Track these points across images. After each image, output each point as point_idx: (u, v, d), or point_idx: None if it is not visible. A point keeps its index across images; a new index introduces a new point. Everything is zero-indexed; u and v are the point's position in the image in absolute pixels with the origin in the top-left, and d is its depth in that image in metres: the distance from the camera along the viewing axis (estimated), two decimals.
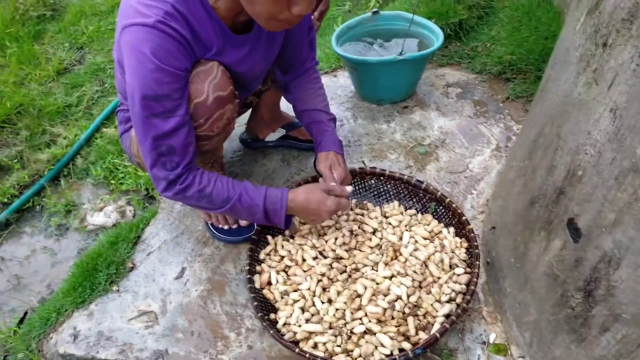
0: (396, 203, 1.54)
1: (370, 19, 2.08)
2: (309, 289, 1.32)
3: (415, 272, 1.31)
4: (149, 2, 1.05)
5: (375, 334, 1.21)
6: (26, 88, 2.39)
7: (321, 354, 1.19)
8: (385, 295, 1.27)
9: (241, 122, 1.94)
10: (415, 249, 1.37)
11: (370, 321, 1.23)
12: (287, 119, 1.86)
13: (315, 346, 1.22)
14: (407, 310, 1.24)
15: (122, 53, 1.09)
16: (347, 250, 1.39)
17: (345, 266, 1.36)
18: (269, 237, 1.47)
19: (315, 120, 1.52)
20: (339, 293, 1.29)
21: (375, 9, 2.06)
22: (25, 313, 1.60)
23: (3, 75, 2.44)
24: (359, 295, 1.28)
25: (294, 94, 1.56)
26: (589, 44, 0.95)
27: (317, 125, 1.51)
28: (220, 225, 1.56)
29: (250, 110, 1.79)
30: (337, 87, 2.21)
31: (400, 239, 1.41)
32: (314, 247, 1.40)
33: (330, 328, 1.24)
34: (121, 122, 1.45)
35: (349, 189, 1.37)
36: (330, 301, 1.29)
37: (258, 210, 1.27)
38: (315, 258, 1.38)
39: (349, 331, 1.23)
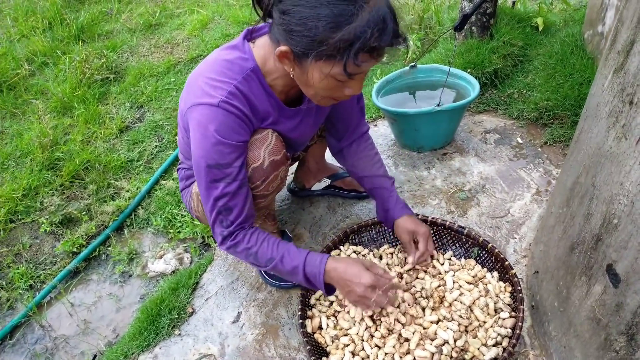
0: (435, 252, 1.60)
1: (408, 72, 2.20)
2: (357, 333, 1.38)
3: (461, 316, 1.36)
4: (214, 83, 1.21)
5: None
6: (92, 146, 2.61)
7: None
8: (432, 340, 1.32)
9: (289, 172, 2.07)
10: (460, 294, 1.43)
11: None
12: (332, 170, 1.97)
13: None
14: (454, 355, 1.29)
15: (189, 125, 1.25)
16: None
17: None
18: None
19: (378, 187, 1.58)
20: (384, 337, 1.35)
21: (413, 63, 2.17)
22: (95, 356, 1.73)
23: (72, 135, 2.67)
24: (407, 340, 1.34)
25: (351, 161, 1.64)
26: (616, 101, 1.02)
27: (382, 192, 1.58)
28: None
29: (298, 162, 1.92)
30: (378, 136, 2.32)
31: (442, 285, 1.46)
32: None
33: None
34: (182, 179, 1.60)
35: (395, 280, 1.33)
36: (378, 346, 1.35)
37: (298, 272, 1.30)
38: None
39: None
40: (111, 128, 2.71)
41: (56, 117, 2.84)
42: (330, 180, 1.99)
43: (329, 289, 1.32)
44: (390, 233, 1.68)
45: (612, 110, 1.04)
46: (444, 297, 1.42)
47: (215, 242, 1.38)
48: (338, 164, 1.84)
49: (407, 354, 1.31)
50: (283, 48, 1.12)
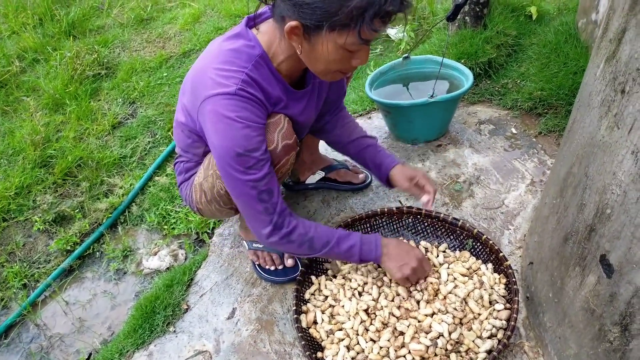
0: (428, 244, 1.60)
1: (401, 64, 2.19)
2: (352, 327, 1.38)
3: (455, 309, 1.36)
4: (225, 73, 1.21)
5: None
6: (85, 142, 2.59)
7: None
8: (427, 333, 1.32)
9: None
10: (455, 287, 1.42)
11: (414, 359, 1.28)
12: (326, 162, 1.96)
13: None
14: (449, 347, 1.28)
15: (206, 119, 1.23)
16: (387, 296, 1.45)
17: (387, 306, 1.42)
18: (313, 278, 1.55)
19: (365, 146, 1.64)
20: (379, 331, 1.35)
21: (406, 54, 2.16)
22: (90, 354, 1.72)
23: (64, 132, 2.65)
24: (402, 333, 1.34)
25: (334, 132, 1.69)
26: (608, 90, 1.01)
27: (369, 149, 1.63)
28: (267, 267, 1.65)
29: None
30: (372, 128, 2.31)
31: (437, 278, 1.46)
32: (355, 287, 1.47)
33: None
34: (180, 172, 1.58)
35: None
36: (373, 340, 1.35)
37: (354, 252, 1.37)
38: (351, 298, 1.45)
39: None
40: (103, 124, 2.69)
41: (48, 114, 2.82)
42: (324, 173, 1.98)
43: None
44: (385, 225, 1.67)
45: (604, 99, 1.03)
46: (438, 289, 1.42)
47: (259, 238, 1.36)
48: (331, 156, 1.83)
49: (402, 347, 1.31)
50: (293, 23, 1.13)
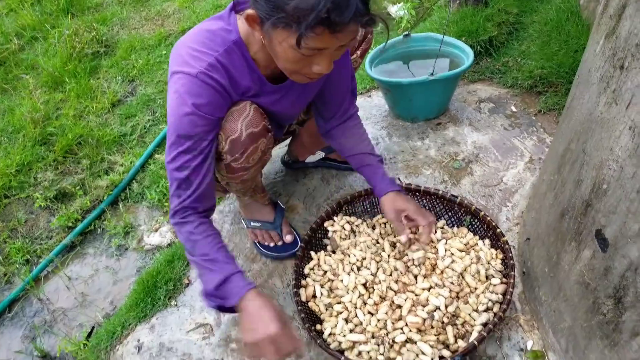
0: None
1: (402, 41, 2.18)
2: (350, 301, 1.40)
3: (452, 283, 1.38)
4: (195, 53, 1.19)
5: (415, 342, 1.28)
6: (85, 120, 2.60)
7: None
8: (424, 306, 1.34)
9: (282, 144, 2.06)
10: (452, 262, 1.44)
11: (410, 331, 1.30)
12: (326, 143, 1.96)
13: (359, 354, 1.30)
14: (445, 320, 1.31)
15: (168, 92, 1.23)
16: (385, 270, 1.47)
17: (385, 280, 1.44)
18: (312, 253, 1.57)
19: (366, 164, 1.56)
20: (377, 305, 1.38)
21: (406, 32, 2.15)
22: (93, 327, 1.75)
23: (64, 109, 2.65)
24: (399, 307, 1.36)
25: (339, 141, 1.60)
26: (608, 66, 1.01)
27: (369, 169, 1.55)
28: (266, 243, 1.67)
29: (292, 134, 1.91)
30: (372, 107, 2.31)
31: (436, 252, 1.48)
32: (353, 263, 1.50)
33: (373, 337, 1.32)
34: None
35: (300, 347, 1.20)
36: (371, 313, 1.37)
37: (218, 276, 1.22)
38: (349, 273, 1.47)
39: (391, 340, 1.30)
40: (103, 102, 2.69)
41: (47, 92, 2.82)
42: (324, 153, 1.99)
43: (225, 310, 1.29)
44: None
45: (603, 75, 1.03)
46: (435, 264, 1.44)
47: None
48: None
49: (399, 320, 1.33)
50: (250, 11, 1.09)
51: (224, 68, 1.21)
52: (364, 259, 1.49)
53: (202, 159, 1.24)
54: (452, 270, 1.41)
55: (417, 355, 1.27)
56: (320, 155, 1.98)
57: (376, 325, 1.33)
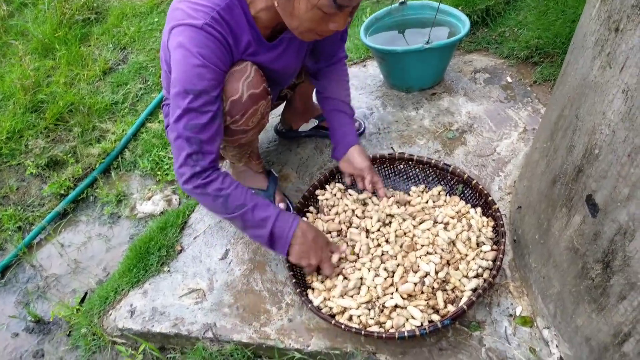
0: (420, 187, 1.62)
1: (397, 9, 2.14)
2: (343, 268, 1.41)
3: (443, 250, 1.39)
4: (197, 7, 1.17)
5: (406, 307, 1.30)
6: (76, 88, 2.56)
7: (355, 326, 1.28)
8: (415, 272, 1.35)
9: (276, 114, 2.05)
10: (444, 229, 1.45)
11: (401, 296, 1.32)
12: (319, 110, 1.95)
13: (350, 319, 1.32)
14: (436, 285, 1.32)
15: (170, 47, 1.20)
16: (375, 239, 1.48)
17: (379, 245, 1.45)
18: (305, 218, 1.57)
19: (337, 109, 1.58)
20: (368, 270, 1.39)
21: (402, 0, 2.11)
22: (86, 293, 1.76)
23: (55, 77, 2.61)
24: (393, 272, 1.37)
25: (322, 82, 1.63)
26: (603, 29, 1.00)
27: (339, 116, 1.58)
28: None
29: (285, 102, 1.89)
30: (367, 76, 2.29)
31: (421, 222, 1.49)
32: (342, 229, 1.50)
33: (364, 302, 1.33)
34: (166, 115, 1.57)
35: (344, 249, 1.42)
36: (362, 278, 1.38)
37: (267, 225, 1.29)
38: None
39: (381, 305, 1.32)
40: (94, 70, 2.65)
41: (37, 59, 2.77)
42: (317, 122, 1.98)
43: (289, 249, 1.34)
44: (377, 171, 1.67)
45: (598, 39, 1.02)
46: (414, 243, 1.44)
47: (178, 181, 1.29)
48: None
49: (390, 285, 1.34)
50: None
51: (226, 22, 1.19)
52: (351, 224, 1.51)
53: (212, 116, 1.22)
54: (442, 239, 1.41)
55: (407, 319, 1.28)
56: (313, 123, 1.97)
57: (367, 292, 1.34)
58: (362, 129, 1.96)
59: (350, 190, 1.62)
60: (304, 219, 1.38)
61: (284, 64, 1.41)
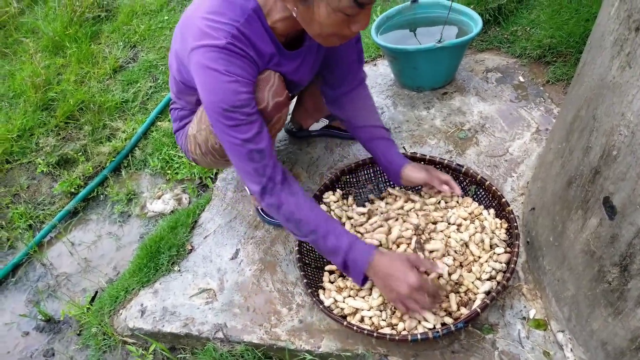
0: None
1: (409, 7, 2.13)
2: None
3: (456, 252, 1.37)
4: (215, 25, 1.15)
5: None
6: (86, 86, 2.57)
7: (367, 327, 1.27)
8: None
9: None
10: (457, 230, 1.43)
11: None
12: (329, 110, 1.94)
13: (362, 320, 1.31)
14: (448, 288, 1.31)
15: (193, 70, 1.19)
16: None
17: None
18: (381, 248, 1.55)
19: (379, 137, 1.52)
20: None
21: None
22: (96, 292, 1.76)
23: (65, 75, 2.62)
24: None
25: (349, 111, 1.57)
26: (622, 29, 0.98)
27: (383, 143, 1.52)
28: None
29: (295, 101, 1.89)
30: (377, 75, 2.27)
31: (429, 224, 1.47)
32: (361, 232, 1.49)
33: (376, 304, 1.32)
34: (175, 119, 1.57)
35: (441, 267, 1.30)
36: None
37: (339, 254, 1.24)
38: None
39: (393, 306, 1.31)
40: (105, 68, 2.66)
41: (48, 57, 2.78)
42: (327, 121, 1.97)
43: (363, 281, 1.27)
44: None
45: (617, 38, 1.00)
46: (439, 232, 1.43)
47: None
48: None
49: None
50: None
51: (247, 38, 1.18)
52: (372, 228, 1.49)
53: (260, 126, 1.21)
54: (456, 240, 1.40)
55: (420, 321, 1.27)
56: (323, 122, 1.96)
57: (380, 295, 1.32)
58: None
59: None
60: (381, 249, 1.29)
61: (301, 75, 1.41)
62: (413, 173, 1.46)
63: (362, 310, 1.31)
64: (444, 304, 1.28)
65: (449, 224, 1.46)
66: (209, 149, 1.43)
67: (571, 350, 1.24)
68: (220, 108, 1.17)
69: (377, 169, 1.68)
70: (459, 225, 1.46)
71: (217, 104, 1.17)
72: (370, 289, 1.34)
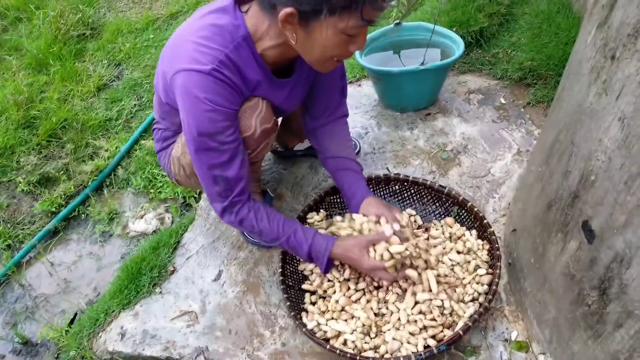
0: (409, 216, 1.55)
1: (393, 30, 2.16)
2: (337, 301, 1.39)
3: (446, 275, 1.37)
4: (204, 49, 1.15)
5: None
6: (69, 104, 2.55)
7: (350, 351, 1.26)
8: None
9: None
10: (443, 254, 1.44)
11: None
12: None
13: (344, 343, 1.30)
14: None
15: (176, 92, 1.20)
16: None
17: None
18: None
19: (347, 168, 1.52)
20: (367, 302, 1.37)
21: (397, 21, 2.13)
22: (75, 314, 1.73)
23: (48, 92, 2.60)
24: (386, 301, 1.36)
25: (322, 142, 1.57)
26: (599, 57, 1.01)
27: (351, 175, 1.51)
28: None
29: (280, 121, 1.89)
30: (362, 96, 2.29)
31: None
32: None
33: (359, 327, 1.32)
34: (158, 140, 1.56)
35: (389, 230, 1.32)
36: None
37: (303, 254, 1.35)
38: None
39: (376, 331, 1.30)
40: (89, 86, 2.64)
41: (31, 74, 2.76)
42: None
43: (327, 268, 1.37)
44: (372, 192, 1.66)
45: (594, 66, 1.03)
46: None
47: (213, 210, 1.37)
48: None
49: (387, 324, 1.33)
50: (288, 10, 1.07)
51: (234, 64, 1.19)
52: None
53: (232, 154, 1.24)
54: (446, 263, 1.41)
55: (402, 343, 1.27)
56: (308, 142, 1.96)
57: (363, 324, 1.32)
58: (358, 149, 1.96)
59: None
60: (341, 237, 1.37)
61: (289, 104, 1.42)
62: (371, 207, 1.42)
63: (345, 333, 1.30)
64: (429, 331, 1.28)
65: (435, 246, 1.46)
66: (193, 171, 1.42)
67: None
68: (196, 131, 1.19)
69: None
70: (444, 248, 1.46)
71: (193, 127, 1.19)
72: (352, 315, 1.34)
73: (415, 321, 1.29)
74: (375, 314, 1.34)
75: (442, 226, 1.55)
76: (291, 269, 1.49)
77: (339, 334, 1.31)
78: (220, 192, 1.28)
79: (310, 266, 1.47)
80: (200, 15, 1.23)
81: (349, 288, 1.40)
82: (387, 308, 1.35)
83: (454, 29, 2.25)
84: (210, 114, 1.17)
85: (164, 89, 1.32)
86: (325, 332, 1.32)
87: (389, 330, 1.30)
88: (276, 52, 1.24)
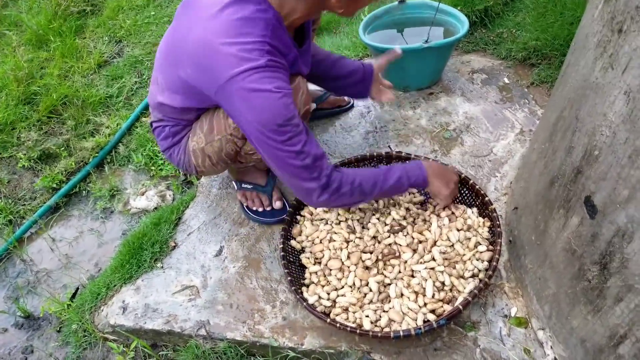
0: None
1: (397, 7, 2.14)
2: (337, 275, 1.39)
3: (443, 252, 1.38)
4: (247, 47, 1.14)
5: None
6: (70, 80, 2.53)
7: (351, 324, 1.27)
8: (412, 277, 1.35)
9: None
10: (447, 231, 1.44)
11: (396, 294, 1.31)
12: (314, 95, 1.96)
13: (346, 318, 1.31)
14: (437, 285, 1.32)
15: (235, 98, 1.16)
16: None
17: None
18: (299, 217, 1.56)
19: (338, 57, 1.65)
20: (366, 271, 1.38)
21: None
22: (77, 288, 1.74)
23: (49, 69, 2.58)
24: (388, 285, 1.36)
25: (323, 68, 1.64)
26: (605, 30, 1.00)
27: (350, 60, 1.66)
28: (254, 208, 1.66)
29: None
30: None
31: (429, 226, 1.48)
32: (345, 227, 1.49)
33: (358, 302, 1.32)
34: (166, 137, 1.49)
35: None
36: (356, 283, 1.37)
37: (403, 183, 1.37)
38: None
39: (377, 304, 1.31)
40: (89, 62, 2.62)
41: (31, 50, 2.74)
42: (315, 104, 1.97)
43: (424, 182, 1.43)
44: None
45: (600, 40, 1.01)
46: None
47: (309, 203, 1.35)
48: (318, 88, 1.82)
49: (387, 299, 1.34)
50: None
51: (277, 50, 1.20)
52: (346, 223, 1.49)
53: (306, 132, 1.24)
54: (445, 239, 1.41)
55: (403, 317, 1.28)
56: (312, 106, 1.96)
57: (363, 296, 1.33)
58: (352, 102, 2.06)
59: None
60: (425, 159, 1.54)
61: (308, 68, 1.43)
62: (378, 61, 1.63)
63: (348, 305, 1.31)
64: (429, 306, 1.29)
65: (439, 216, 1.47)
66: (222, 157, 1.43)
67: (551, 347, 1.26)
68: (275, 124, 1.16)
69: (362, 166, 1.68)
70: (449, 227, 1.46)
71: (270, 121, 1.16)
72: (351, 286, 1.35)
73: (416, 293, 1.30)
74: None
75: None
76: (292, 244, 1.49)
77: (347, 308, 1.31)
78: (312, 173, 1.24)
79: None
80: (213, 15, 1.18)
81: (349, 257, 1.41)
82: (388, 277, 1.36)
83: (459, 8, 2.22)
84: (283, 99, 1.16)
85: (185, 96, 1.30)
86: (326, 306, 1.33)
87: (391, 305, 1.30)
88: (298, 22, 1.26)
